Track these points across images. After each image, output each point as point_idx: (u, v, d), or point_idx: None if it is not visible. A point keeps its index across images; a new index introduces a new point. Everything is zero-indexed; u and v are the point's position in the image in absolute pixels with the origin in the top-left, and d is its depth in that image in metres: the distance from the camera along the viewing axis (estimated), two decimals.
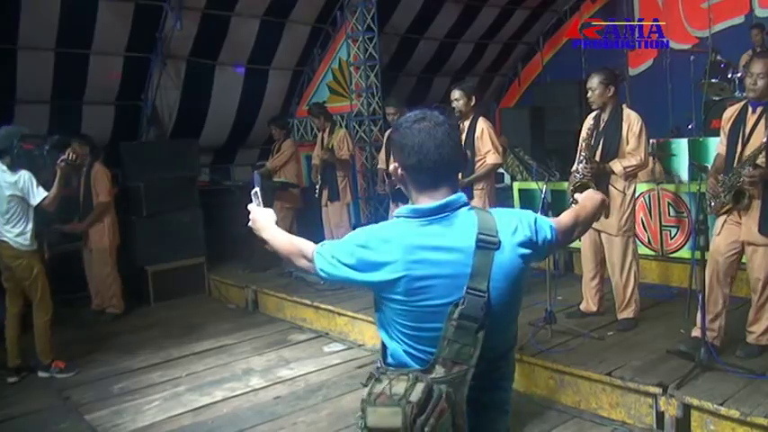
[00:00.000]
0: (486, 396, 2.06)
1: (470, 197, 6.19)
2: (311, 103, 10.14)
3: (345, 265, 2.05)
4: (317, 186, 8.24)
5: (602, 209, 2.49)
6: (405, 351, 2.04)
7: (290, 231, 8.44)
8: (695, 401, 4.05)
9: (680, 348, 4.68)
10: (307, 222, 9.69)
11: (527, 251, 2.05)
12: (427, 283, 1.96)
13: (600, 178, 5.24)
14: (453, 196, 2.05)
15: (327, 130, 8.34)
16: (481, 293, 1.94)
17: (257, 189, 2.56)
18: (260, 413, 4.97)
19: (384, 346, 2.14)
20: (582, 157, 5.31)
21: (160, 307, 8.03)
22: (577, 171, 5.25)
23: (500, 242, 1.99)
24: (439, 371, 1.91)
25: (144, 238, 8.16)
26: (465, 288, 1.94)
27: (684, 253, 6.52)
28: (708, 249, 4.60)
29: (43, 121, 8.56)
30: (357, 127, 9.80)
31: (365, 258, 2.01)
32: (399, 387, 1.88)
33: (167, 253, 8.19)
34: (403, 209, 2.07)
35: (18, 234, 5.62)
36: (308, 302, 7.16)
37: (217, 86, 9.96)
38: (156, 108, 9.55)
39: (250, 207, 2.52)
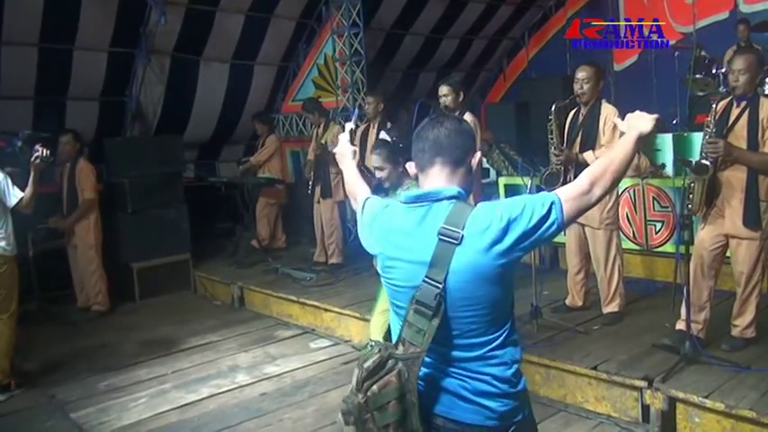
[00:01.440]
0: (446, 381, 2.14)
1: None
2: (302, 98, 10.10)
3: (363, 228, 2.36)
4: (310, 183, 8.19)
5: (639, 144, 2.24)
6: (392, 324, 2.28)
7: (274, 227, 8.50)
8: (680, 394, 4.09)
9: (665, 342, 4.71)
10: (292, 218, 9.70)
11: (498, 250, 2.04)
12: (395, 264, 2.17)
13: (577, 170, 5.28)
14: (438, 188, 2.15)
15: (322, 125, 8.30)
16: (437, 284, 2.02)
17: (353, 125, 3.09)
18: (246, 410, 4.97)
19: None
20: (552, 146, 5.39)
21: (146, 304, 7.98)
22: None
23: (462, 237, 2.03)
24: (400, 349, 2.05)
25: (129, 234, 8.12)
26: (423, 277, 2.05)
27: (669, 247, 6.55)
28: (692, 243, 4.63)
29: (27, 118, 8.48)
30: (343, 122, 9.78)
31: (365, 227, 2.34)
32: (368, 353, 2.05)
33: (153, 249, 8.14)
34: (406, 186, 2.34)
35: (1, 238, 5.26)
36: (294, 299, 7.15)
37: (201, 82, 9.91)
38: (141, 104, 9.50)
39: (341, 136, 2.90)
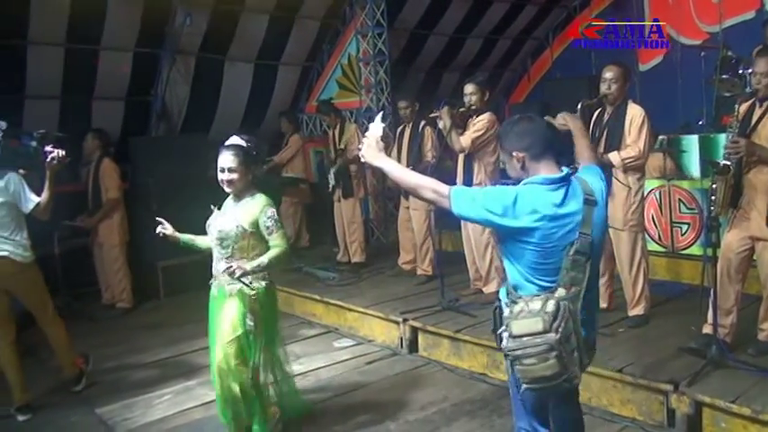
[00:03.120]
0: (590, 306, 2.90)
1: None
2: (320, 99, 10.13)
3: (490, 211, 2.79)
4: (331, 184, 8.21)
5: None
6: (526, 280, 2.84)
7: (298, 227, 8.50)
8: (707, 399, 4.06)
9: (691, 345, 4.67)
10: (316, 217, 9.72)
11: (604, 204, 2.97)
12: (554, 231, 2.78)
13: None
14: (566, 170, 2.91)
15: (338, 126, 8.32)
16: (588, 235, 2.79)
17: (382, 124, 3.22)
18: None
19: (505, 279, 3.00)
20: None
21: (170, 302, 8.03)
22: None
23: (596, 201, 2.88)
24: (561, 292, 2.74)
25: (153, 233, 8.13)
26: (578, 232, 2.79)
27: (695, 250, 6.50)
28: (719, 246, 4.59)
29: (53, 117, 8.57)
30: (366, 122, 9.77)
31: (513, 209, 2.77)
32: (535, 305, 2.72)
33: (177, 248, 8.14)
34: (534, 178, 2.86)
35: (17, 245, 4.99)
36: (318, 298, 7.17)
37: (226, 82, 9.96)
38: (166, 103, 9.55)
39: (371, 134, 3.11)
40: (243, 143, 4.15)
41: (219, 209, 4.24)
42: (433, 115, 6.36)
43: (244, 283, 4.04)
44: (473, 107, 6.19)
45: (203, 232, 4.31)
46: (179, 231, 4.45)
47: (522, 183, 2.90)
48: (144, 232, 8.12)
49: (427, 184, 2.92)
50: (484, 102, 6.25)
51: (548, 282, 2.79)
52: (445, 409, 4.83)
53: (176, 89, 9.53)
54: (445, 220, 7.05)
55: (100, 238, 7.62)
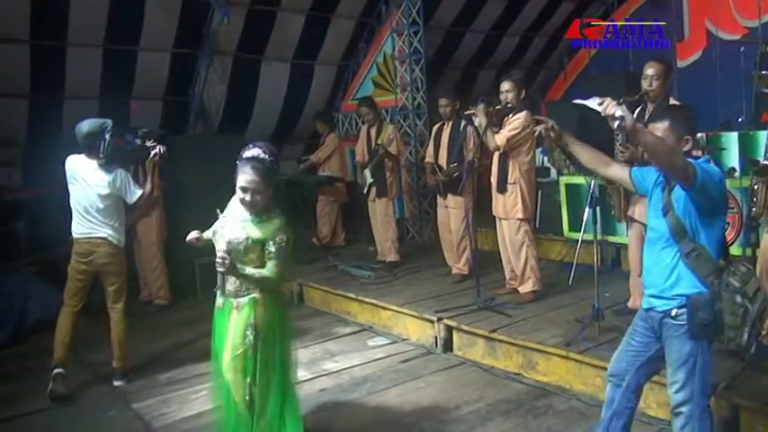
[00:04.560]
0: None
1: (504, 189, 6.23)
2: (358, 96, 10.15)
3: (716, 182, 3.13)
4: (368, 182, 8.21)
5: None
6: (717, 250, 3.19)
7: (335, 225, 8.51)
8: (744, 402, 3.99)
9: (729, 348, 4.59)
10: (352, 215, 9.75)
11: None
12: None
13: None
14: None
15: (376, 125, 8.31)
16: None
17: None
18: (305, 404, 4.96)
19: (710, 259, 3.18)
20: (618, 142, 5.32)
21: (207, 298, 8.04)
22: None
23: None
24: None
25: (191, 230, 8.20)
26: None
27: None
28: (758, 246, 4.51)
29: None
30: (402, 121, 9.79)
31: (723, 182, 3.21)
32: (741, 268, 3.15)
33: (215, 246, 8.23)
34: (705, 158, 3.27)
35: (116, 230, 5.50)
36: (353, 296, 7.18)
37: (263, 81, 10.05)
38: (204, 103, 9.67)
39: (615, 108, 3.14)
40: (265, 156, 3.88)
41: (222, 212, 4.09)
42: (468, 113, 6.33)
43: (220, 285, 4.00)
44: (509, 105, 6.15)
45: None
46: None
47: (701, 162, 3.17)
48: (181, 230, 8.24)
49: (679, 153, 3.14)
50: (520, 99, 6.21)
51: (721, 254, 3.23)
52: (480, 410, 4.80)
53: (214, 89, 9.64)
54: (481, 219, 7.05)
55: (138, 235, 7.72)
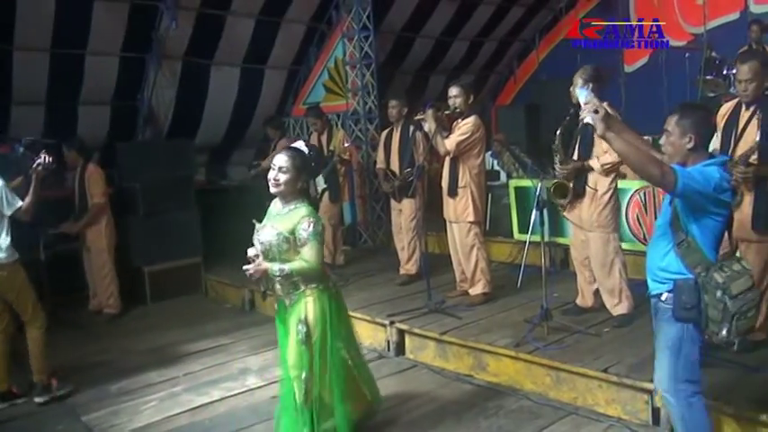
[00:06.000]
0: None
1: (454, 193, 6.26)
2: (312, 101, 10.13)
3: (710, 185, 3.14)
4: (320, 188, 8.18)
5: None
6: (713, 249, 3.27)
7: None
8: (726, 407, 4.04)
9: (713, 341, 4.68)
10: None
11: None
12: (729, 202, 3.27)
13: (578, 177, 5.35)
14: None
15: (326, 132, 8.33)
16: None
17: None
18: (257, 412, 4.98)
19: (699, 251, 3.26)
20: (556, 159, 5.41)
21: (157, 307, 8.01)
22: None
23: None
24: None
25: (140, 238, 8.14)
26: None
27: None
28: None
29: (39, 123, 8.56)
30: (353, 126, 9.79)
31: (718, 186, 3.16)
32: (736, 266, 3.22)
33: (164, 253, 8.15)
34: (714, 160, 3.29)
35: None
36: None
37: (212, 86, 9.95)
38: (153, 108, 9.54)
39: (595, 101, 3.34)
40: (306, 150, 4.07)
41: (260, 221, 4.11)
42: (418, 118, 6.36)
43: (265, 288, 4.06)
44: (457, 110, 6.19)
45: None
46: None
47: (704, 164, 3.23)
48: (131, 237, 8.14)
49: (656, 162, 3.18)
50: (468, 104, 6.27)
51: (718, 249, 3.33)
52: (431, 412, 4.83)
53: (162, 93, 9.52)
54: (432, 223, 7.09)
55: (88, 242, 7.59)
